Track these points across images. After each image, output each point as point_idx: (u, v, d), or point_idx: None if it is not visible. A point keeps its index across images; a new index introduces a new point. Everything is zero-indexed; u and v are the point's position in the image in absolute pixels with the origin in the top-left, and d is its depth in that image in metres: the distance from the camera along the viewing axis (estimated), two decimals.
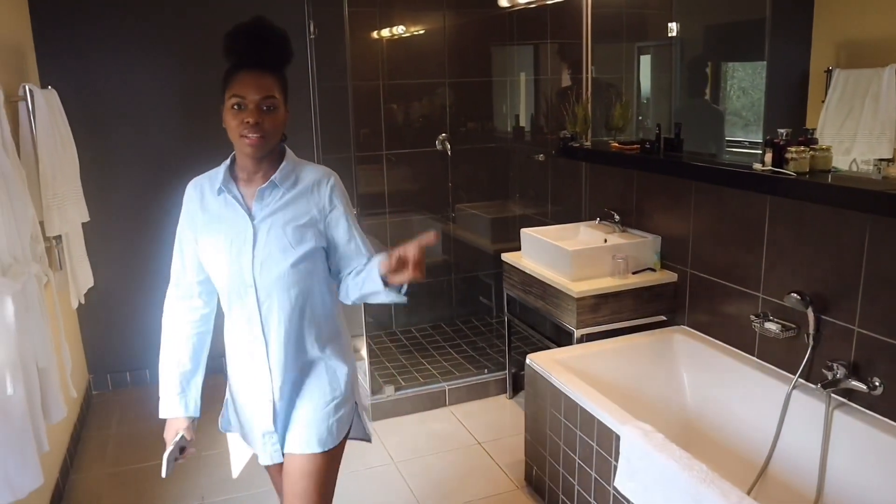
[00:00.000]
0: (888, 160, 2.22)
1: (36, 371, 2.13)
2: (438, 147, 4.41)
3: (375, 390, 3.53)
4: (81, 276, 3.19)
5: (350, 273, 1.75)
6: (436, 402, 3.64)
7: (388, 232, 4.44)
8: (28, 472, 1.97)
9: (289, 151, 1.73)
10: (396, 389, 3.58)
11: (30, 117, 2.72)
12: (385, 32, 4.35)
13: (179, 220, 1.75)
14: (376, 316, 4.46)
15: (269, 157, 1.67)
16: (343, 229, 1.74)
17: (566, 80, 3.91)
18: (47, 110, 2.80)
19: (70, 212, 3.01)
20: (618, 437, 2.25)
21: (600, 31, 3.53)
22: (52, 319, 2.47)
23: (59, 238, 2.94)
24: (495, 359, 3.99)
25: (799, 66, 2.60)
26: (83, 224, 3.24)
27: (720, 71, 3.20)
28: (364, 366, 3.59)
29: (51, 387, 2.25)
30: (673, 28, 3.38)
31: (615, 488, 2.28)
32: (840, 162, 2.38)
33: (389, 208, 4.40)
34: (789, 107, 2.71)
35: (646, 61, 3.64)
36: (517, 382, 3.75)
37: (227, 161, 1.71)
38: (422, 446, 3.29)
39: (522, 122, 4.47)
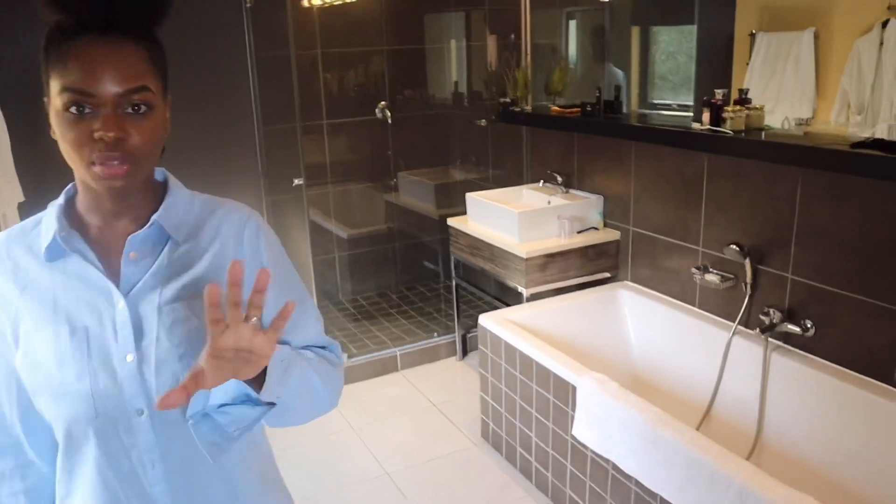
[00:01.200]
0: (808, 119, 2.38)
1: None
2: (378, 115, 4.40)
3: None
4: None
5: None
6: (388, 367, 3.69)
7: (330, 202, 4.44)
8: None
9: (172, 178, 1.05)
10: (349, 357, 3.62)
11: None
12: (318, 0, 4.30)
13: None
14: (321, 286, 4.46)
15: (142, 188, 0.99)
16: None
17: (503, 46, 3.96)
18: None
19: (5, 191, 2.91)
20: (574, 388, 2.35)
21: None
22: None
23: (1, 217, 2.85)
24: (443, 323, 4.06)
25: (725, 29, 2.70)
26: (20, 205, 3.14)
27: (648, 36, 3.29)
28: None
29: None
30: None
31: (573, 436, 2.39)
32: (768, 122, 2.52)
33: (332, 178, 4.39)
34: (716, 70, 2.80)
35: (573, 26, 3.71)
36: (466, 344, 3.84)
37: (60, 200, 1.00)
38: (378, 411, 3.35)
39: (462, 89, 4.50)
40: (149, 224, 0.97)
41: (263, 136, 3.86)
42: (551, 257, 3.05)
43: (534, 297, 3.08)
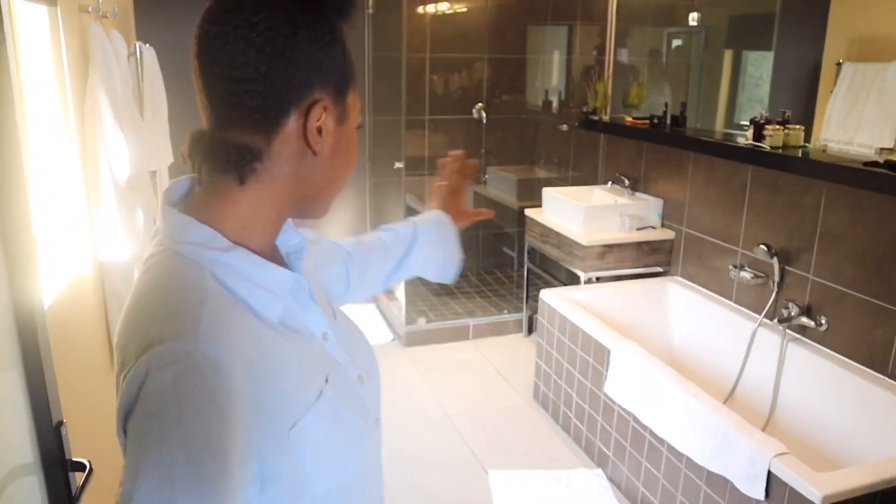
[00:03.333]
0: (889, 149, 2.53)
1: None
2: (475, 115, 4.92)
3: (410, 321, 4.10)
4: None
5: (360, 253, 1.17)
6: (460, 335, 4.20)
7: (426, 189, 4.98)
8: None
9: None
10: (427, 321, 4.15)
11: (138, 70, 3.29)
12: (431, 9, 4.85)
13: (197, 443, 0.65)
14: None
15: None
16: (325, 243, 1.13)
17: (591, 60, 4.39)
18: (150, 65, 3.37)
19: (162, 153, 3.58)
20: (609, 352, 2.79)
21: (626, 16, 4.00)
22: None
23: (153, 173, 3.52)
24: (514, 303, 4.53)
25: (812, 57, 2.92)
26: (168, 166, 3.82)
27: (741, 59, 3.58)
28: (402, 303, 4.15)
29: None
30: (694, 17, 3.86)
31: (605, 393, 2.82)
32: (843, 148, 2.69)
33: (429, 168, 4.94)
34: (799, 94, 3.05)
35: (675, 44, 4.07)
36: (533, 324, 4.29)
37: (206, 232, 0.75)
38: (447, 368, 3.86)
39: (551, 97, 4.96)
40: (298, 241, 0.89)
41: (372, 126, 4.46)
42: (609, 248, 3.48)
43: (591, 282, 3.51)
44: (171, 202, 0.79)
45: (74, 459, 1.14)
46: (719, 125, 3.54)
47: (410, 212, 4.75)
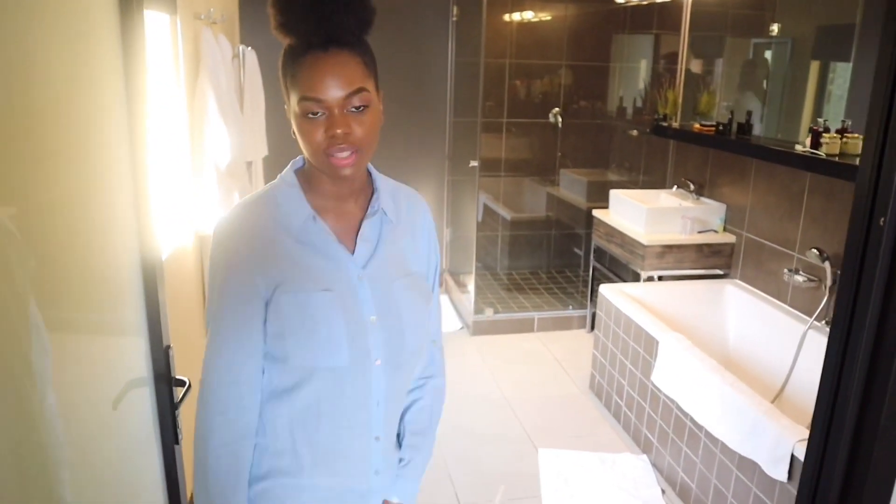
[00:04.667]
0: None
1: None
2: (551, 120, 5.12)
3: (478, 311, 4.34)
4: None
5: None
6: (525, 327, 4.41)
7: (501, 189, 5.22)
8: None
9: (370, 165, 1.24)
10: (494, 312, 4.38)
11: (240, 71, 3.66)
12: (517, 17, 5.08)
13: (222, 273, 1.15)
14: (483, 259, 5.25)
15: (363, 174, 1.22)
16: (433, 287, 1.35)
17: (663, 69, 4.53)
18: (251, 66, 3.74)
19: (258, 146, 3.95)
20: (657, 343, 2.95)
21: (701, 25, 4.12)
22: None
23: (249, 164, 3.89)
24: (579, 300, 4.71)
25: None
26: (263, 158, 4.19)
27: (827, 70, 3.62)
28: (471, 294, 4.40)
29: None
30: (774, 28, 3.95)
31: (652, 382, 2.99)
32: None
33: (504, 168, 5.17)
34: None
35: (765, 54, 4.12)
36: (595, 320, 4.45)
37: (292, 179, 1.19)
38: (510, 357, 4.08)
39: (625, 104, 5.11)
40: (375, 211, 1.21)
41: (452, 127, 4.73)
42: (669, 248, 3.63)
43: (651, 281, 3.66)
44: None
45: (177, 377, 1.43)
46: (802, 136, 3.61)
47: (486, 210, 4.99)
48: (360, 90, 1.07)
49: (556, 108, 5.10)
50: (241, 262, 1.14)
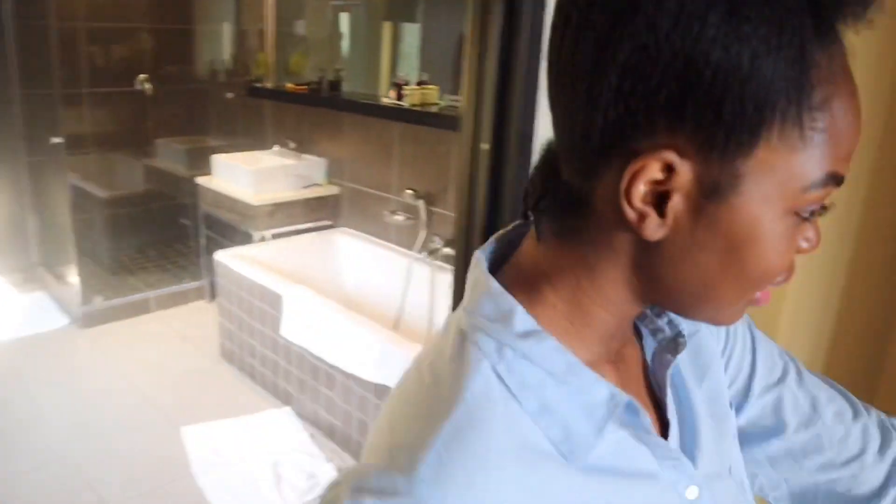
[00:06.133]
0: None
1: None
2: (139, 87, 4.80)
3: (86, 301, 3.96)
4: None
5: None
6: (142, 309, 4.15)
7: (93, 166, 4.77)
8: None
9: None
10: (105, 299, 4.04)
11: None
12: None
13: None
14: (82, 245, 4.77)
15: None
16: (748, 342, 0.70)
17: (255, 31, 4.54)
18: None
19: None
20: (281, 298, 3.03)
21: None
22: None
23: None
24: (195, 272, 4.56)
25: (457, 29, 3.24)
26: None
27: (399, 30, 3.91)
28: (76, 285, 3.98)
29: None
30: None
31: (282, 336, 3.07)
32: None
33: (94, 146, 4.73)
34: (448, 60, 3.48)
35: (343, 18, 4.32)
36: (214, 288, 4.38)
37: (523, 318, 0.51)
38: (131, 343, 3.83)
39: (217, 67, 5.01)
40: (677, 339, 0.60)
41: (23, 100, 4.16)
42: (278, 206, 3.71)
43: (265, 241, 3.72)
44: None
45: None
46: (383, 90, 3.90)
47: (77, 191, 4.53)
48: None
49: (143, 75, 4.80)
50: None
